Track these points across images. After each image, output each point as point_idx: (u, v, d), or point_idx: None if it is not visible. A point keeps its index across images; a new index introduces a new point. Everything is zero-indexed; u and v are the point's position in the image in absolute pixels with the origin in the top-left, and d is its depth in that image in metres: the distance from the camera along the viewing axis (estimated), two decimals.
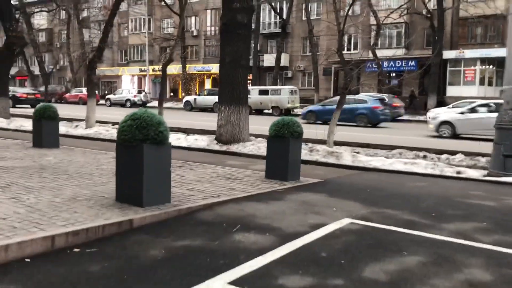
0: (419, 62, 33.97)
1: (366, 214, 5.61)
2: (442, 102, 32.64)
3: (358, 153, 12.49)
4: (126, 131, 5.16)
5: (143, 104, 38.92)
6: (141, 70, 49.42)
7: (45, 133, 10.97)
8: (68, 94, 44.14)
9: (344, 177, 8.62)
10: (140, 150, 5.10)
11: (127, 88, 44.19)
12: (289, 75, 42.48)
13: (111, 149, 11.72)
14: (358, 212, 5.68)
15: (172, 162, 8.68)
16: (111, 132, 15.00)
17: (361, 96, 24.82)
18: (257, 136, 13.33)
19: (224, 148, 12.01)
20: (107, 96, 42.15)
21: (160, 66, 49.57)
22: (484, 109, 17.64)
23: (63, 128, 15.91)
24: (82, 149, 11.02)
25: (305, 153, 10.92)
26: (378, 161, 10.15)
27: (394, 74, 37.15)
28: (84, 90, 43.80)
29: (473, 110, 18.00)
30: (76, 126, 16.23)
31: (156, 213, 4.98)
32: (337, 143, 12.77)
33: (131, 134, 5.12)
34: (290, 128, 7.55)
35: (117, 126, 18.79)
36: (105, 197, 5.58)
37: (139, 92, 40.61)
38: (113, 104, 39.98)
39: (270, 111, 31.14)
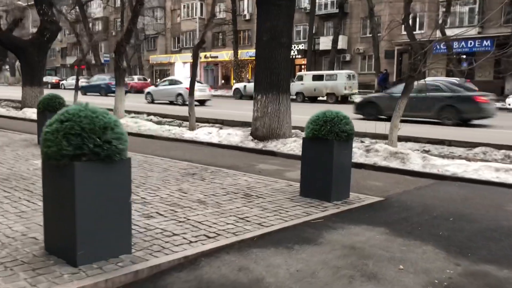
0: (495, 41, 29.97)
1: (457, 280, 3.30)
2: None
3: (428, 151, 9.95)
4: (50, 141, 3.15)
5: None
6: None
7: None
8: None
9: (412, 192, 6.24)
10: (70, 173, 3.09)
11: (175, 76, 42.99)
12: (347, 58, 39.44)
13: (131, 146, 9.83)
14: (441, 275, 3.38)
15: (189, 165, 6.61)
16: (140, 125, 13.32)
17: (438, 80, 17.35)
18: (304, 130, 11.09)
19: (260, 145, 9.89)
20: (154, 84, 41.13)
21: (211, 53, 48.29)
22: None
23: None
24: None
25: (360, 154, 8.58)
26: (458, 166, 7.63)
27: (464, 56, 33.27)
28: (136, 78, 43.23)
29: None
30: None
31: (87, 283, 2.93)
32: (401, 139, 10.27)
33: (56, 147, 3.11)
34: (335, 127, 5.30)
35: (151, 117, 17.26)
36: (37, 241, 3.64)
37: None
38: None
39: (325, 98, 28.57)
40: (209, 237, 3.86)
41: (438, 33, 25.38)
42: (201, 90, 24.46)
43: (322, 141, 5.35)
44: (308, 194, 5.52)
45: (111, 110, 16.53)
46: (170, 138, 11.42)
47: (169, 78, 31.26)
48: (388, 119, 10.20)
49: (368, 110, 17.08)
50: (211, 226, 4.15)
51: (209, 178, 6.42)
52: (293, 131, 10.68)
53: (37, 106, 9.64)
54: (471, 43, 32.53)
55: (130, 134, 12.96)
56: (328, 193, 5.37)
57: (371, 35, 35.44)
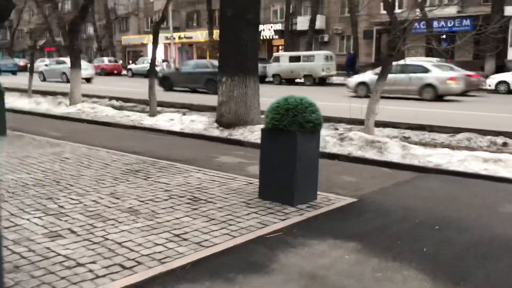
0: (474, 20, 29.36)
1: None
2: (502, 66, 28.15)
3: (408, 138, 9.15)
4: None
5: None
6: (166, 38, 46.55)
7: None
8: (92, 64, 41.85)
9: (391, 190, 5.39)
10: None
11: (146, 57, 41.52)
12: (326, 39, 38.45)
13: (80, 136, 8.97)
14: None
15: (137, 159, 5.35)
16: (97, 111, 12.21)
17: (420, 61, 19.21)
18: None
19: (225, 133, 8.93)
20: (129, 66, 39.59)
21: (186, 33, 46.71)
22: None
23: (44, 106, 13.29)
24: (36, 137, 8.22)
25: (333, 143, 7.71)
26: (442, 156, 6.82)
27: (444, 36, 32.64)
28: (107, 60, 41.53)
29: None
30: (60, 103, 13.52)
31: None
32: (379, 124, 9.43)
33: None
34: (298, 116, 4.38)
35: (113, 101, 16.10)
36: None
37: (163, 61, 37.76)
38: (135, 74, 37.36)
39: (303, 80, 27.64)
40: (125, 268, 2.92)
41: (418, 13, 24.73)
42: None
43: (284, 133, 4.44)
44: (268, 196, 4.62)
45: (65, 94, 15.37)
46: (127, 125, 10.37)
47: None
48: (181, 90, 9.25)
49: (165, 83, 22.27)
50: (132, 250, 3.21)
51: (155, 177, 5.46)
52: (262, 116, 9.74)
53: None
54: (450, 23, 31.88)
55: (84, 121, 11.97)
56: (290, 196, 4.47)
57: (349, 15, 34.49)
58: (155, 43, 11.58)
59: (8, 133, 8.58)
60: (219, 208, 4.30)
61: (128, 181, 5.21)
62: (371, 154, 7.17)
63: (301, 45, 38.37)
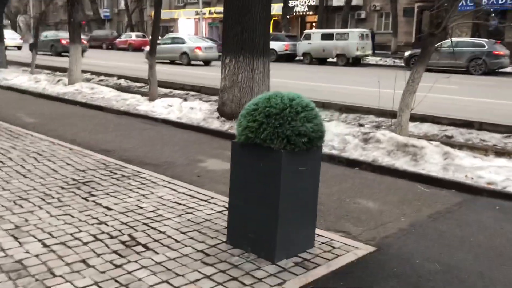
0: None
1: None
2: None
3: (451, 138, 7.40)
4: None
5: None
6: (196, 13, 44.98)
7: None
8: (118, 40, 40.87)
9: (426, 229, 3.76)
10: None
11: (176, 33, 40.13)
12: (362, 16, 35.95)
13: (56, 124, 7.56)
14: None
15: (99, 162, 5.06)
16: (95, 92, 10.91)
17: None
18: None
19: (226, 126, 7.44)
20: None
21: (217, 8, 44.89)
22: None
23: (42, 84, 12.08)
24: (2, 125, 6.95)
25: (354, 145, 6.09)
26: (497, 169, 5.12)
27: (493, 15, 29.74)
28: (134, 35, 40.40)
29: None
30: (58, 81, 12.30)
31: None
32: (415, 118, 7.72)
33: None
34: (284, 126, 2.83)
35: (121, 81, 14.77)
36: None
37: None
38: None
39: (335, 59, 25.66)
40: None
41: None
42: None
43: (262, 151, 2.90)
44: (239, 242, 3.11)
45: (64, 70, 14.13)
46: (120, 111, 9.00)
47: (172, 35, 28.66)
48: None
49: None
50: None
51: (101, 195, 4.03)
52: None
53: None
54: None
55: (77, 103, 10.67)
56: (271, 245, 2.95)
57: None
58: (156, 16, 10.13)
59: None
60: (158, 263, 2.83)
61: (59, 201, 3.80)
62: (402, 162, 5.53)
63: (336, 22, 36.09)
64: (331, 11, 36.18)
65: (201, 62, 24.03)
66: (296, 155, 2.89)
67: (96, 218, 3.48)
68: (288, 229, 2.98)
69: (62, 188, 4.16)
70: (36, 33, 15.88)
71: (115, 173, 4.71)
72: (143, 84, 13.57)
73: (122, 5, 53.76)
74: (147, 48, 30.15)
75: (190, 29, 46.25)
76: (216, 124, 7.63)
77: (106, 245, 3.03)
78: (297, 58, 27.50)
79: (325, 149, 5.87)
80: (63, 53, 26.58)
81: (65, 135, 6.67)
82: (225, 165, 5.34)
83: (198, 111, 8.29)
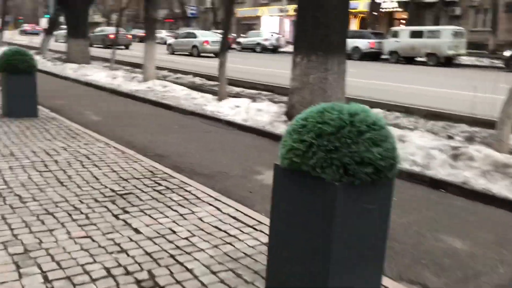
0: None
1: None
2: None
3: None
4: None
5: (275, 48, 34.25)
6: (281, 11, 44.50)
7: (13, 94, 6.97)
8: None
9: None
10: None
11: (258, 30, 39.94)
12: (457, 12, 33.34)
13: (119, 123, 7.36)
14: None
15: (149, 170, 4.52)
16: (167, 89, 10.72)
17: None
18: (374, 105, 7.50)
19: None
20: (238, 40, 38.35)
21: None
22: None
23: (118, 80, 12.15)
24: (65, 122, 6.81)
25: (441, 162, 5.15)
26: None
27: None
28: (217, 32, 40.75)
29: None
30: (133, 78, 12.30)
31: None
32: None
33: None
34: (343, 150, 2.09)
35: (197, 78, 14.57)
36: None
37: (272, 34, 35.78)
38: (244, 48, 36.04)
39: (424, 59, 23.91)
40: None
41: None
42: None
43: (311, 181, 2.19)
44: None
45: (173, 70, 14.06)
46: (187, 110, 8.64)
47: (187, 30, 32.69)
48: None
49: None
50: None
51: (136, 210, 3.54)
52: None
53: None
54: None
55: (147, 101, 10.51)
56: None
57: None
58: (228, 13, 9.67)
59: (45, 114, 7.33)
60: None
61: (87, 218, 3.35)
62: (501, 187, 4.52)
63: (428, 19, 33.83)
64: (422, 7, 33.96)
65: (211, 54, 25.99)
66: (357, 190, 2.15)
67: (118, 245, 2.97)
68: (343, 281, 2.25)
69: (96, 201, 3.73)
70: (117, 30, 16.19)
71: (159, 185, 4.21)
72: (217, 83, 13.23)
73: (208, 3, 54.78)
74: (171, 40, 31.06)
75: (274, 27, 45.87)
76: (282, 128, 6.96)
77: (117, 285, 2.49)
78: (383, 56, 26.05)
79: (405, 165, 4.99)
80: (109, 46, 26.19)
81: (124, 136, 6.37)
82: None
83: (265, 113, 7.69)
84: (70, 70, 14.53)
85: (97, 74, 13.36)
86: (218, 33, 34.89)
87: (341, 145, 2.11)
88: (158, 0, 13.06)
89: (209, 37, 27.02)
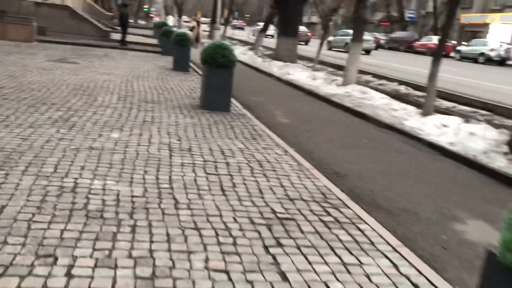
0: None
1: None
2: None
3: None
4: None
5: (502, 60, 30.01)
6: None
7: (211, 87, 7.08)
8: (417, 43, 39.00)
9: None
10: None
11: (484, 39, 35.50)
12: None
13: (305, 128, 6.84)
14: None
15: (315, 194, 3.94)
16: (366, 96, 9.91)
17: None
18: None
19: None
20: (457, 48, 34.76)
21: None
22: None
23: (317, 82, 11.84)
24: (252, 121, 6.64)
25: None
26: None
27: None
28: (435, 38, 37.69)
29: None
30: (333, 80, 11.77)
31: None
32: None
33: None
34: None
35: (402, 87, 13.25)
36: None
37: (500, 45, 31.36)
38: (464, 58, 32.49)
39: None
40: None
41: None
42: None
43: None
44: None
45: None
46: (382, 122, 7.72)
47: (344, 31, 32.76)
48: None
49: None
50: None
51: (291, 245, 2.89)
52: None
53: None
54: None
55: (342, 107, 9.77)
56: None
57: None
58: (450, 16, 8.29)
59: (237, 110, 7.31)
60: None
61: (232, 244, 2.84)
62: None
63: None
64: None
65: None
66: None
67: None
68: None
69: (251, 222, 3.21)
70: (325, 31, 15.88)
71: (328, 214, 3.50)
72: (423, 93, 11.82)
73: (430, 7, 51.29)
74: (330, 38, 30.39)
75: (505, 37, 40.37)
76: (500, 162, 5.53)
77: None
78: None
79: None
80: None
81: (306, 144, 5.84)
82: (494, 234, 3.50)
83: (480, 138, 6.27)
84: (275, 67, 14.79)
85: (299, 73, 13.25)
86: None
87: None
88: (371, 1, 12.18)
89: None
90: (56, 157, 4.06)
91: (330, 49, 32.13)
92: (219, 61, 6.86)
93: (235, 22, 68.78)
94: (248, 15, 79.28)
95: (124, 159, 4.22)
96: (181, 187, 3.70)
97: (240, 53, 19.05)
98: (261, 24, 34.28)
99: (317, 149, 5.67)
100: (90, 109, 6.14)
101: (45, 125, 5.09)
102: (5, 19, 14.98)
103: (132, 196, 3.41)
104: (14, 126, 4.91)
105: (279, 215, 3.39)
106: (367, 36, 28.93)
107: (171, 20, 45.24)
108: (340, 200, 3.84)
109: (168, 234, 2.89)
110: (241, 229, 3.08)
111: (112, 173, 3.84)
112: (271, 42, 24.76)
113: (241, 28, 58.79)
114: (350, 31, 32.95)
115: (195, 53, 12.01)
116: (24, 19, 15.21)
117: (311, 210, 3.54)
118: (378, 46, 37.55)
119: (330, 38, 33.74)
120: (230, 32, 38.73)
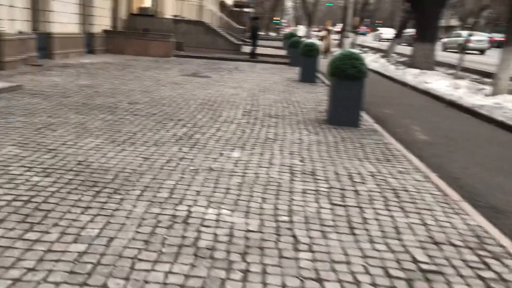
0: None
1: None
2: None
3: None
4: None
5: None
6: None
7: (339, 101, 6.54)
8: None
9: None
10: None
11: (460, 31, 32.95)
12: None
13: (463, 147, 5.83)
14: None
15: (458, 233, 3.31)
16: None
17: None
18: None
19: None
20: None
21: None
22: None
23: (460, 91, 10.61)
24: (384, 139, 5.96)
25: None
26: None
27: None
28: None
29: None
30: (479, 90, 10.38)
31: None
32: None
33: None
34: None
35: None
36: None
37: None
38: None
39: None
40: None
41: None
42: None
43: None
44: None
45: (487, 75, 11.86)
46: None
47: (456, 32, 32.63)
48: None
49: None
50: None
51: None
52: None
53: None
54: None
55: (492, 121, 8.43)
56: None
57: None
58: None
59: (367, 125, 6.66)
60: None
61: None
62: None
63: None
64: None
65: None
66: None
67: None
68: None
69: (387, 274, 2.60)
70: (434, 31, 14.24)
71: (487, 267, 2.74)
72: None
73: None
74: (445, 39, 30.83)
75: None
76: None
77: None
78: None
79: None
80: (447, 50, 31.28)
81: (451, 168, 4.99)
82: None
83: None
84: (410, 76, 13.66)
85: (438, 82, 12.01)
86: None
87: None
88: None
89: (473, 37, 28.22)
90: (173, 179, 3.87)
91: (444, 50, 31.92)
92: (348, 73, 6.29)
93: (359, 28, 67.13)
94: (381, 21, 76.53)
95: (243, 183, 3.88)
96: (302, 221, 3.23)
97: (371, 60, 18.14)
98: (381, 29, 33.64)
99: (465, 175, 4.79)
100: (214, 125, 6.00)
101: (169, 142, 5.01)
102: (148, 37, 16.08)
103: (247, 231, 3.02)
104: (139, 144, 4.90)
105: (422, 265, 2.73)
106: (479, 36, 30.08)
107: (301, 30, 45.44)
108: (502, 247, 3.04)
109: (284, 286, 2.43)
110: (373, 284, 2.50)
111: (228, 200, 3.51)
112: (406, 49, 23.33)
113: (364, 34, 56.90)
114: (464, 32, 31.21)
115: (324, 63, 11.54)
116: (163, 36, 16.18)
117: (463, 260, 2.82)
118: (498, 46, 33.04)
119: (445, 40, 33.95)
120: (360, 39, 37.53)
